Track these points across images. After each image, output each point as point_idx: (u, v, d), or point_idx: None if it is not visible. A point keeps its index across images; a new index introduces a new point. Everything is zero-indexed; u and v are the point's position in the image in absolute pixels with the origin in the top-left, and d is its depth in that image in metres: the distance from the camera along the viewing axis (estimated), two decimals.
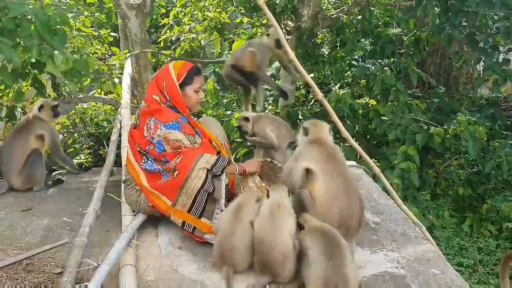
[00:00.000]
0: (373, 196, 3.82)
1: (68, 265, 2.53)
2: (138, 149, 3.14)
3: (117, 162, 4.19)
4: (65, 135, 7.09)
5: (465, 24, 5.50)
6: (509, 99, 10.17)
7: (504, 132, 6.26)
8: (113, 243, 2.96)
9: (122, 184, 3.38)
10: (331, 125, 3.05)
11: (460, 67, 10.20)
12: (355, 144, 2.97)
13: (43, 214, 3.47)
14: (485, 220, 6.10)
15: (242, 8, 6.70)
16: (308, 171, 2.87)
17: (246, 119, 3.91)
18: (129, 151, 3.24)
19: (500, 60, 5.58)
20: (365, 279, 2.70)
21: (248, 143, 4.31)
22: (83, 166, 5.39)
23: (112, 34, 6.59)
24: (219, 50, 10.54)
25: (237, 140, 5.15)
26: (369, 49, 5.77)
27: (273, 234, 2.58)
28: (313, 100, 6.67)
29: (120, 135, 4.32)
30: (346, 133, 2.93)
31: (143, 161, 3.11)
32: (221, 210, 3.01)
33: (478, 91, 10.86)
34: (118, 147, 4.22)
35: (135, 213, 3.20)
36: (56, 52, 3.58)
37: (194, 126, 3.24)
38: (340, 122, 2.99)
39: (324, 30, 6.25)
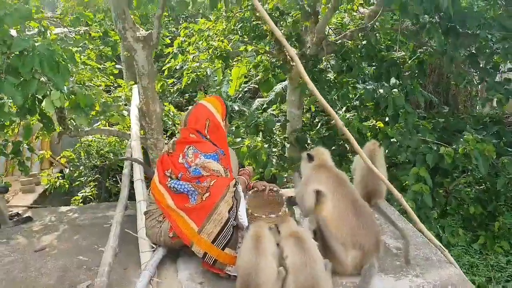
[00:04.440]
0: (391, 220, 3.77)
1: None
2: (168, 174, 3.11)
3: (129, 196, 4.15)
4: (71, 168, 7.10)
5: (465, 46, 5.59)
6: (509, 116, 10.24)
7: (510, 149, 6.28)
8: (133, 281, 2.93)
9: (140, 217, 3.35)
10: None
11: (457, 86, 10.29)
12: (375, 169, 2.95)
13: (58, 253, 3.40)
14: (497, 237, 6.08)
15: (246, 37, 6.78)
16: (318, 193, 3.00)
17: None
18: (155, 176, 3.21)
19: (502, 79, 5.64)
20: None
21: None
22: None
23: (117, 66, 6.66)
24: (221, 78, 10.65)
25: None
26: (373, 72, 5.82)
27: (313, 267, 2.58)
28: (319, 124, 6.71)
29: (132, 168, 4.29)
30: (365, 158, 2.92)
31: (170, 180, 3.08)
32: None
33: (477, 108, 10.96)
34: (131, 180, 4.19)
35: (153, 248, 3.15)
36: (53, 91, 3.58)
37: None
38: (358, 147, 2.98)
39: (329, 55, 6.32)
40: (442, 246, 3.19)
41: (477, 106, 11.09)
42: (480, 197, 6.12)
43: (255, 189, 3.49)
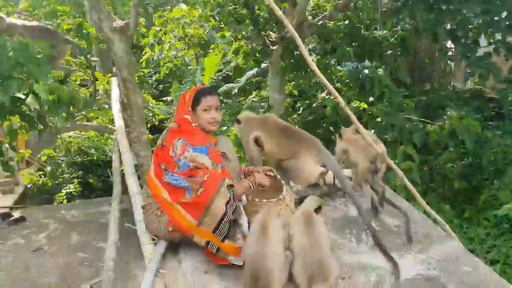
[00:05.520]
0: (387, 199, 3.80)
1: None
2: (164, 167, 3.05)
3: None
4: (52, 166, 6.92)
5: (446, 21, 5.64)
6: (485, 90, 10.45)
7: (491, 123, 6.43)
8: (137, 274, 2.89)
9: (137, 211, 3.28)
10: None
11: (432, 64, 10.44)
12: (377, 148, 2.97)
13: (56, 251, 3.30)
14: (482, 210, 6.24)
15: (223, 23, 6.67)
16: (257, 140, 3.48)
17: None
18: (151, 169, 3.17)
19: (481, 54, 5.71)
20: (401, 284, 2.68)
21: None
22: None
23: (94, 59, 6.49)
24: (196, 66, 10.54)
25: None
26: (355, 52, 5.82)
27: (318, 248, 2.60)
28: (301, 108, 6.71)
29: (121, 162, 4.19)
30: (369, 139, 2.93)
31: (166, 173, 3.02)
32: (243, 234, 2.93)
33: (451, 85, 11.18)
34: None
35: (155, 241, 3.10)
36: (36, 84, 3.46)
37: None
38: (361, 126, 3.00)
39: (311, 37, 6.29)
40: (442, 221, 3.25)
41: (452, 83, 11.31)
42: (464, 172, 6.26)
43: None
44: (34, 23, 4.62)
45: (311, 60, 2.73)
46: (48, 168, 7.12)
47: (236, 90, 9.23)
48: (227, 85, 10.00)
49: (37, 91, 3.49)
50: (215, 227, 2.85)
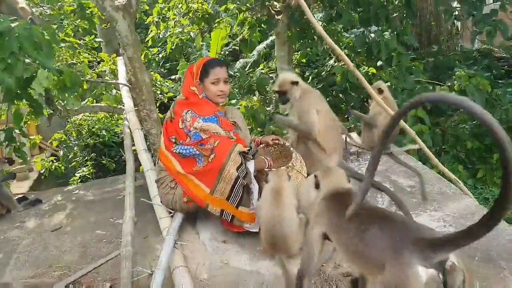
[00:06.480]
0: (400, 161, 3.79)
1: (121, 277, 2.46)
2: (174, 140, 3.06)
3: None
4: (64, 150, 6.97)
5: None
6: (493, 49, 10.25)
7: (500, 81, 6.31)
8: (156, 248, 2.93)
9: (151, 186, 3.31)
10: None
11: (438, 26, 10.23)
12: (390, 111, 2.94)
13: (75, 230, 3.36)
14: (496, 169, 6.18)
15: None
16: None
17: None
18: (161, 143, 3.17)
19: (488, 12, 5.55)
20: None
21: (276, 122, 4.15)
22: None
23: (97, 39, 6.44)
24: (201, 42, 10.43)
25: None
26: (361, 17, 5.69)
27: None
28: (310, 77, 6.64)
29: (132, 140, 4.21)
30: (382, 103, 2.90)
31: (176, 145, 3.03)
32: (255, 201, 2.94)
33: (459, 46, 10.97)
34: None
35: (171, 214, 3.13)
36: (40, 70, 3.43)
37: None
38: (370, 87, 2.96)
39: (315, 4, 6.17)
40: (456, 178, 3.23)
41: (459, 44, 11.10)
42: (476, 132, 6.18)
43: (263, 145, 3.48)
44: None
45: (319, 25, 2.67)
46: (61, 153, 7.18)
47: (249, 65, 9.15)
48: (241, 60, 9.90)
49: (40, 78, 3.46)
50: (229, 193, 2.87)
